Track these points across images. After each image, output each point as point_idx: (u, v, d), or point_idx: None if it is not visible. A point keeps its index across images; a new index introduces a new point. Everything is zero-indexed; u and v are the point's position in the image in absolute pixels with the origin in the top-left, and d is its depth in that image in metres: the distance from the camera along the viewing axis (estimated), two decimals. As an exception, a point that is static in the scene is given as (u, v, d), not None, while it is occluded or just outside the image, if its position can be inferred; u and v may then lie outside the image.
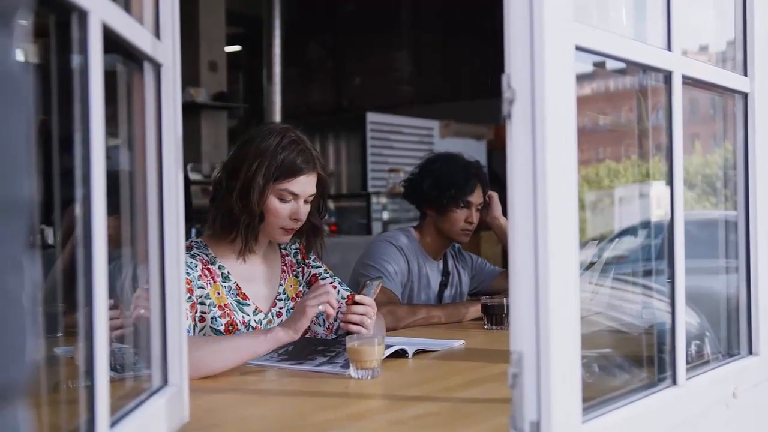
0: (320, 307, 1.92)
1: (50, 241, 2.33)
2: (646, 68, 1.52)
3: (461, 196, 2.91)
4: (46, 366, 1.21)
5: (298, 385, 1.78)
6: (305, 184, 2.16)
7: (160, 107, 1.33)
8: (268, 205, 2.14)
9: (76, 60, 0.99)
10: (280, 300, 2.27)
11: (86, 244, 0.99)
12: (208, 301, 2.09)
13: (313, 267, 2.38)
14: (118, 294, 1.44)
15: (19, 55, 0.59)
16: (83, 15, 0.98)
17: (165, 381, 1.34)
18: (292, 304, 2.28)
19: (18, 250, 0.57)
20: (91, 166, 0.99)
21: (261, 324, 2.19)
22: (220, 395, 1.71)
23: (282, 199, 2.14)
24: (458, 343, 2.29)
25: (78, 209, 1.00)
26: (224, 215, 2.15)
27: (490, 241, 6.49)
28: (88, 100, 0.99)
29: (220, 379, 1.84)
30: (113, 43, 1.09)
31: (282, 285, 2.29)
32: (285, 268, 2.32)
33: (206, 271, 2.12)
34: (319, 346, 2.08)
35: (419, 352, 2.11)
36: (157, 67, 1.32)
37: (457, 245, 3.13)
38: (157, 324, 1.34)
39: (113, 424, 1.07)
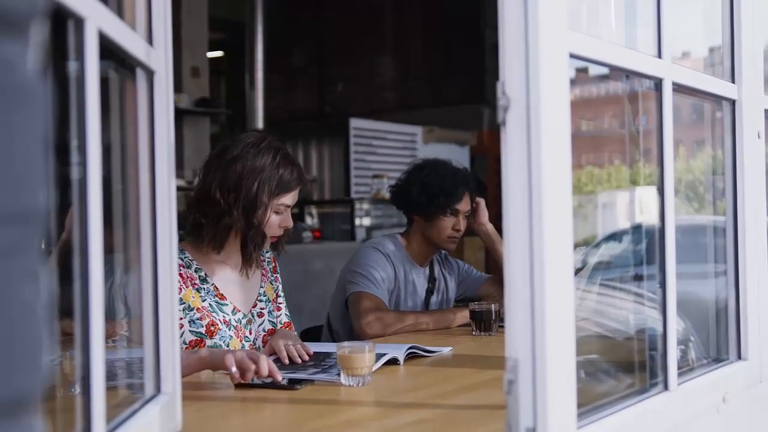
0: (233, 370, 1.76)
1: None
2: (637, 75, 1.53)
3: (449, 204, 2.91)
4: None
5: (290, 393, 1.77)
6: (296, 195, 2.28)
7: (152, 114, 1.32)
8: (267, 222, 2.22)
9: (71, 66, 0.99)
10: (261, 301, 2.35)
11: (82, 251, 0.98)
12: (182, 306, 2.13)
13: (279, 282, 2.47)
14: (108, 301, 1.43)
15: (34, 64, 0.59)
16: (80, 22, 0.97)
17: (158, 389, 1.34)
18: (272, 306, 2.37)
19: (34, 259, 0.56)
20: (88, 173, 0.98)
21: (241, 323, 2.25)
22: (213, 404, 1.70)
23: (277, 213, 2.23)
24: (447, 350, 2.29)
25: (73, 216, 0.99)
26: (224, 231, 2.19)
27: (473, 247, 6.51)
28: (84, 107, 0.98)
29: (213, 388, 1.83)
30: (106, 49, 1.09)
31: (263, 287, 2.37)
32: (264, 272, 2.40)
33: (179, 276, 2.14)
34: (311, 360, 2.07)
35: (411, 357, 2.12)
36: (150, 74, 1.31)
37: (443, 251, 3.13)
38: (150, 332, 1.33)
39: (108, 433, 1.06)
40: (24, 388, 0.55)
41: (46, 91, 0.60)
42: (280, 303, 2.44)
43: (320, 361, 2.07)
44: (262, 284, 2.37)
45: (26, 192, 0.56)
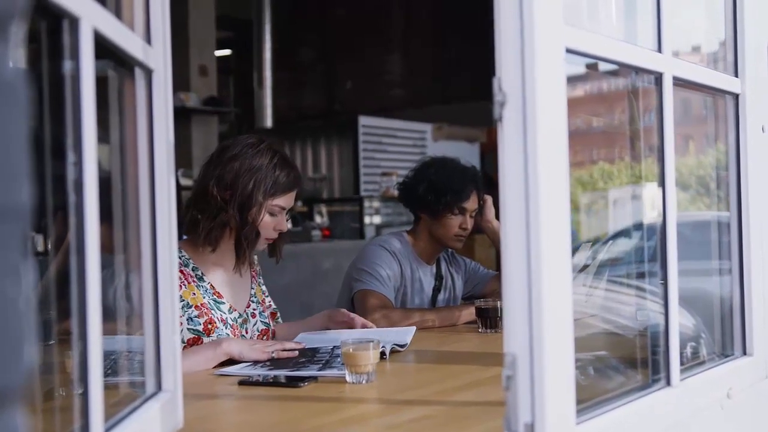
0: (273, 354, 2.08)
1: (40, 248, 2.33)
2: (636, 70, 1.53)
3: (457, 203, 2.90)
4: (39, 373, 1.20)
5: (293, 390, 1.77)
6: (292, 199, 2.31)
7: (151, 113, 1.33)
8: (261, 221, 2.24)
9: (67, 66, 0.99)
10: (253, 301, 2.39)
11: (79, 251, 0.98)
12: (181, 303, 2.16)
13: (263, 284, 2.50)
14: (111, 302, 1.44)
15: (15, 62, 0.60)
16: (74, 21, 0.97)
17: (159, 387, 1.34)
18: (261, 308, 2.41)
19: (15, 255, 0.57)
20: (84, 173, 0.98)
21: (237, 322, 2.29)
22: (214, 401, 1.71)
23: (271, 214, 2.26)
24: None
25: (70, 216, 0.99)
26: (219, 227, 2.22)
27: (484, 245, 6.50)
28: (79, 106, 0.99)
29: (214, 386, 1.83)
30: (104, 48, 1.09)
31: (253, 288, 2.41)
32: (254, 274, 2.45)
33: (179, 274, 2.17)
34: (301, 358, 2.07)
35: (396, 352, 2.15)
36: (148, 72, 1.31)
37: (450, 249, 3.13)
38: (151, 330, 1.34)
39: (107, 430, 1.07)
40: (5, 384, 0.56)
41: (27, 89, 0.61)
42: (270, 301, 2.50)
43: (312, 357, 2.07)
44: (252, 285, 2.42)
45: (8, 189, 0.56)
